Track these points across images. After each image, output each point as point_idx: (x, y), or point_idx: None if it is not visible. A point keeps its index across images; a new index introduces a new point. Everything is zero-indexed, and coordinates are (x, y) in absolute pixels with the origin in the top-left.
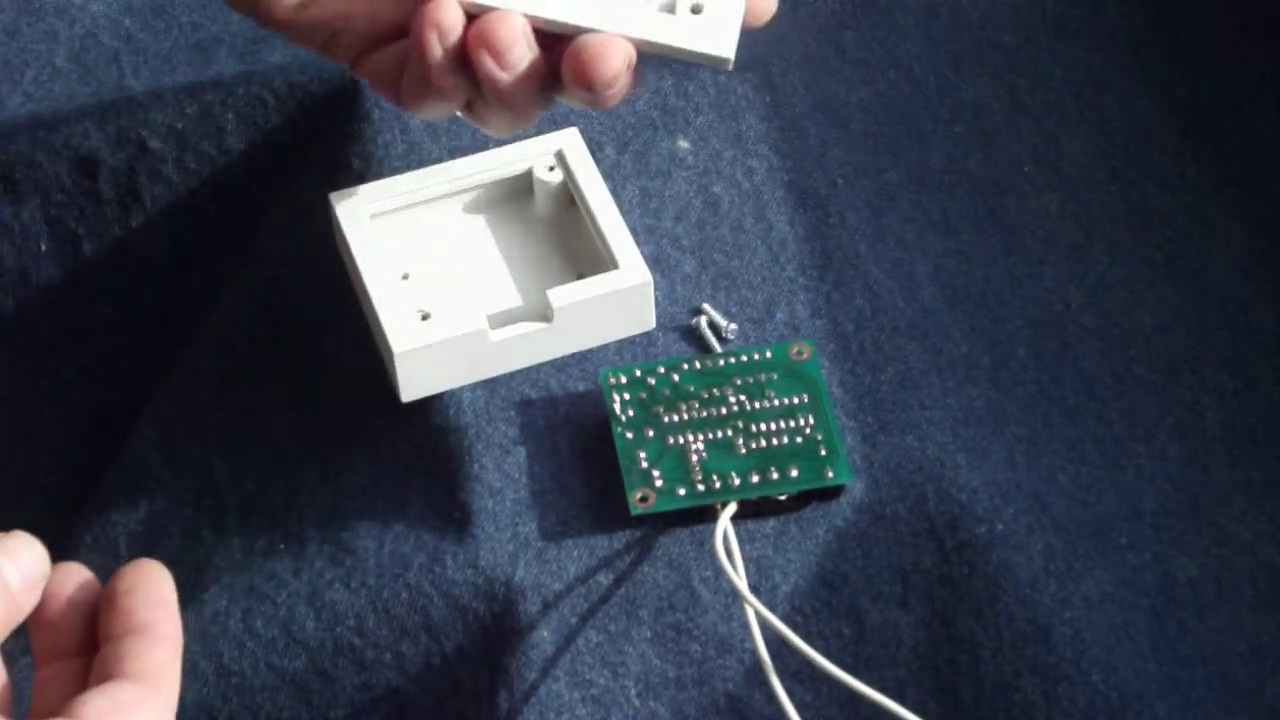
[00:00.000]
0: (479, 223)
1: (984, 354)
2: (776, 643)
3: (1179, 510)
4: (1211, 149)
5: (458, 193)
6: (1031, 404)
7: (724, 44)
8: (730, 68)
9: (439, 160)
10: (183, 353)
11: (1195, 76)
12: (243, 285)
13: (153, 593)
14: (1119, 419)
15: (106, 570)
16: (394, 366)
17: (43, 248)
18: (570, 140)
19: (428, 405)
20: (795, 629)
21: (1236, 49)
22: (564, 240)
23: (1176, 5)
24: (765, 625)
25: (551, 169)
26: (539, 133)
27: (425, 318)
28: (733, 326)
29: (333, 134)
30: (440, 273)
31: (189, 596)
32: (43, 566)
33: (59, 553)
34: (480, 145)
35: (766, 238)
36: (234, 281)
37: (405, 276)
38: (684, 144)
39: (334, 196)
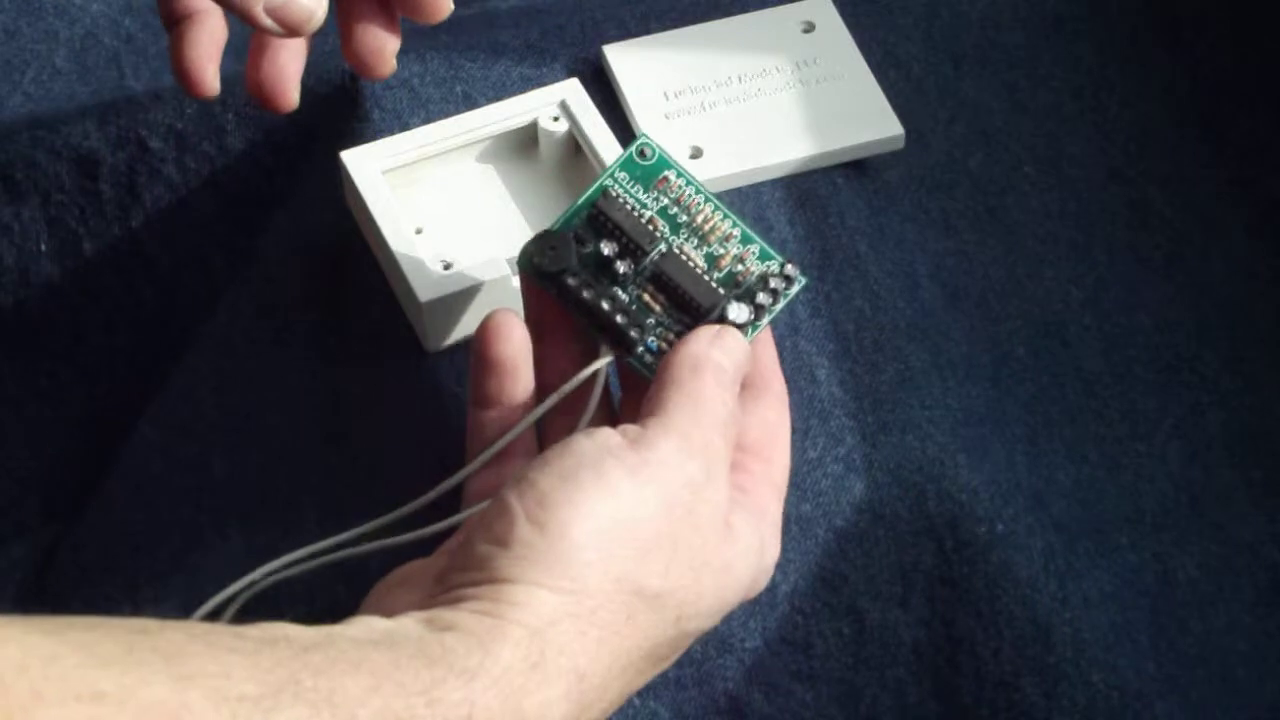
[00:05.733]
0: (488, 174)
1: (984, 354)
2: (777, 642)
3: (1179, 510)
4: (1211, 149)
5: (464, 146)
6: (1031, 404)
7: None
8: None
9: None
10: (183, 353)
11: (1195, 76)
12: (243, 285)
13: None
14: (1119, 419)
15: (107, 570)
16: (420, 316)
17: (43, 248)
18: (573, 90)
19: (427, 404)
20: (795, 629)
21: (1236, 49)
22: (571, 188)
23: (1177, 5)
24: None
25: (556, 119)
26: (541, 84)
27: (447, 267)
28: None
29: (333, 134)
30: (455, 225)
31: (188, 597)
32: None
33: (59, 553)
34: None
35: (766, 238)
36: (234, 281)
37: (419, 231)
38: None
39: (345, 155)
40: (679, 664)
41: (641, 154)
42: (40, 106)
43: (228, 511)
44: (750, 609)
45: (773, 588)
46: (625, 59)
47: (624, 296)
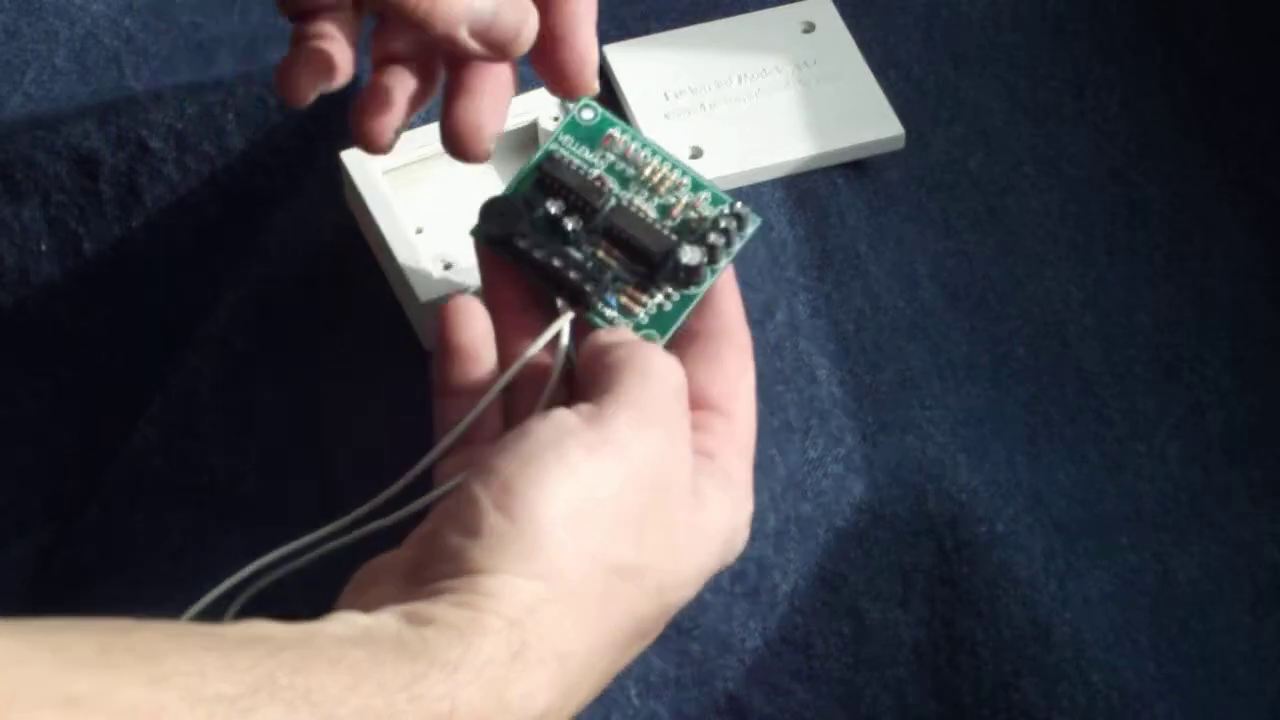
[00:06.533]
0: (488, 174)
1: (984, 354)
2: (777, 642)
3: (1179, 510)
4: (1211, 149)
5: None
6: (1031, 404)
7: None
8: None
9: None
10: (183, 353)
11: (1195, 76)
12: (243, 284)
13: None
14: (1119, 419)
15: (107, 570)
16: (420, 316)
17: (43, 248)
18: None
19: (427, 403)
20: (795, 629)
21: (1236, 49)
22: None
23: (1176, 5)
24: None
25: (556, 119)
26: (541, 84)
27: (447, 267)
28: None
29: (333, 134)
30: (455, 225)
31: (188, 597)
32: None
33: (58, 553)
34: None
35: (766, 238)
36: (234, 281)
37: (419, 231)
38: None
39: (345, 154)
40: (679, 664)
41: (585, 115)
42: (40, 106)
43: (228, 511)
44: (750, 609)
45: (773, 588)
46: (625, 59)
47: (578, 255)
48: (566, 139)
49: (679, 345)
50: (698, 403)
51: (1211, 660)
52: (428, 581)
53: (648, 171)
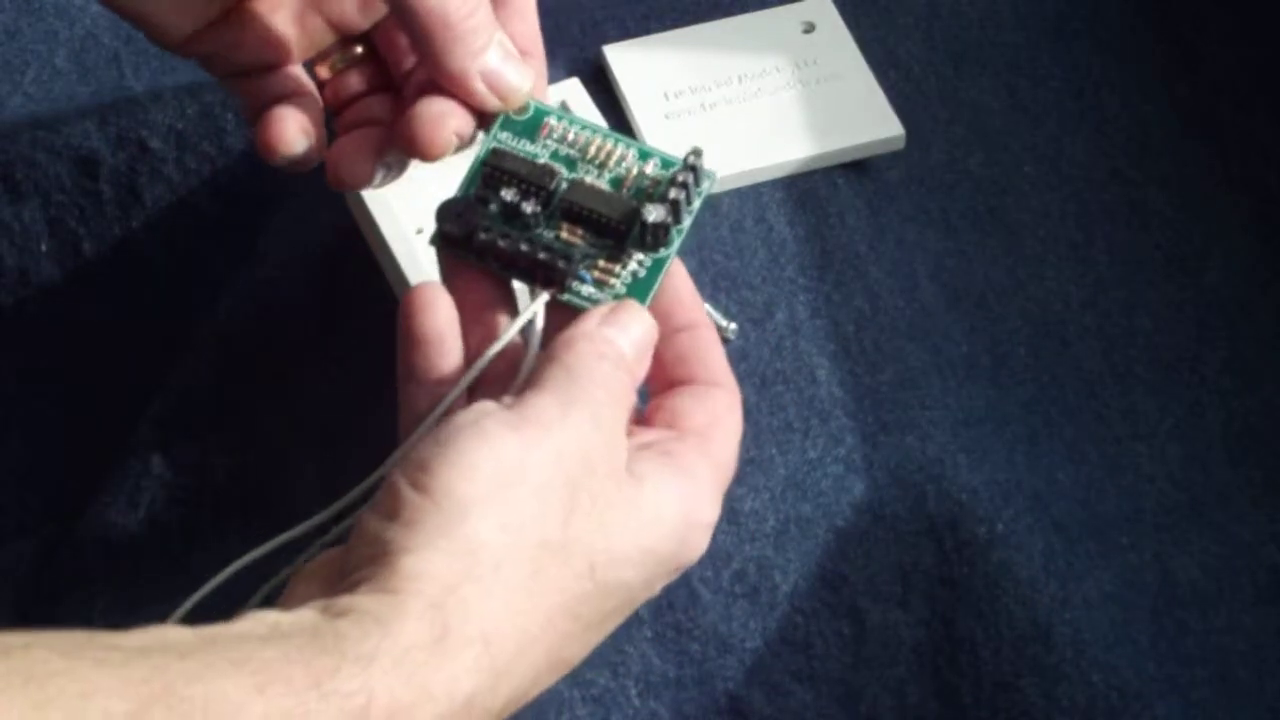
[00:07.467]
0: None
1: (984, 354)
2: (777, 642)
3: (1179, 510)
4: (1211, 149)
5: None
6: (1031, 404)
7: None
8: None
9: None
10: (183, 353)
11: (1195, 76)
12: (243, 285)
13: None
14: (1119, 419)
15: (107, 570)
16: None
17: (43, 248)
18: (573, 91)
19: None
20: (795, 629)
21: (1236, 49)
22: None
23: (1176, 5)
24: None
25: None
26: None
27: None
28: (733, 326)
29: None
30: None
31: (188, 597)
32: (652, 334)
33: (59, 553)
34: None
35: (767, 238)
36: (234, 281)
37: (419, 231)
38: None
39: None
40: (679, 664)
41: (518, 110)
42: (40, 106)
43: (228, 511)
44: (750, 609)
45: (773, 588)
46: (625, 59)
47: (544, 238)
48: (505, 135)
49: (668, 387)
50: (677, 428)
51: (1211, 660)
52: (352, 572)
53: (593, 150)
